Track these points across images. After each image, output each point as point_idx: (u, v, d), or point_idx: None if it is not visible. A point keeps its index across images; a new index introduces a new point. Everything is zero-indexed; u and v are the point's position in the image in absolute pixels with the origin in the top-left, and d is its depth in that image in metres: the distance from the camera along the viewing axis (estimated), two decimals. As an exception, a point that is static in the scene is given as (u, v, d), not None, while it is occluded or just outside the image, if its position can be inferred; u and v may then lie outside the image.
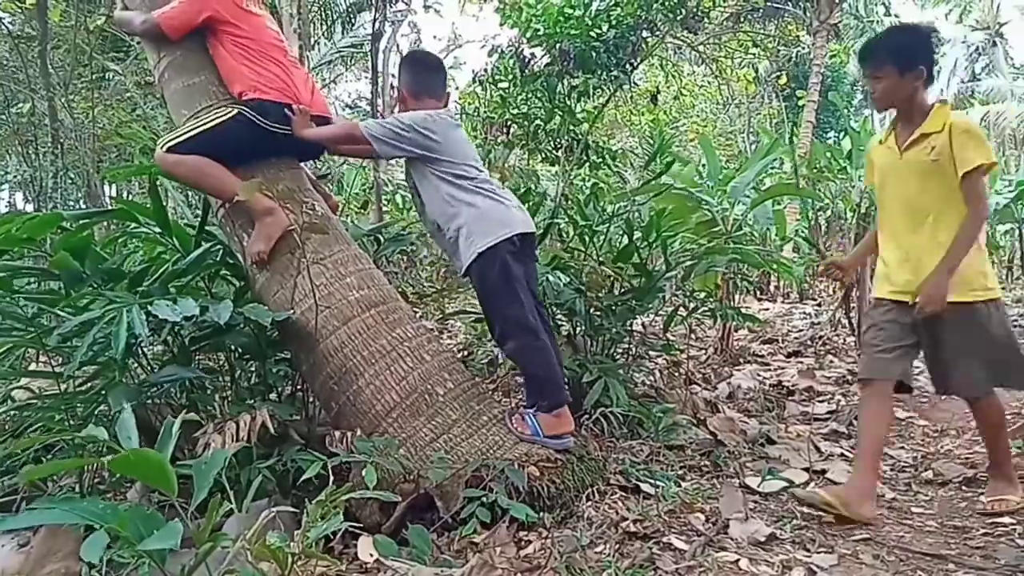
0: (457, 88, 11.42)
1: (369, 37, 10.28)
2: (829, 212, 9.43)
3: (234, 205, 2.62)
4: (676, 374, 4.40)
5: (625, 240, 3.82)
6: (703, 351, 5.49)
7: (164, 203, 2.85)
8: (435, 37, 30.18)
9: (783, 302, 9.20)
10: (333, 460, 2.15)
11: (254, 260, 2.64)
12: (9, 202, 13.26)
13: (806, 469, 2.99)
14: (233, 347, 2.80)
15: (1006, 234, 11.60)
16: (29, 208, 10.04)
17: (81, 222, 2.87)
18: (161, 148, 2.63)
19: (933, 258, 2.45)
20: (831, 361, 5.25)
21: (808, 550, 2.21)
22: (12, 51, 8.46)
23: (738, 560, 2.09)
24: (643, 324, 4.28)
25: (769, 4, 11.48)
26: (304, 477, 2.15)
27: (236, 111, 2.65)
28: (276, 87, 2.71)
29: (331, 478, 1.96)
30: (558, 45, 5.73)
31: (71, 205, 8.74)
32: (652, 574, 1.97)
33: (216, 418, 2.44)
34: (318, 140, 2.79)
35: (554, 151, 6.08)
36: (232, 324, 2.47)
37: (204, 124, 2.63)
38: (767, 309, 8.13)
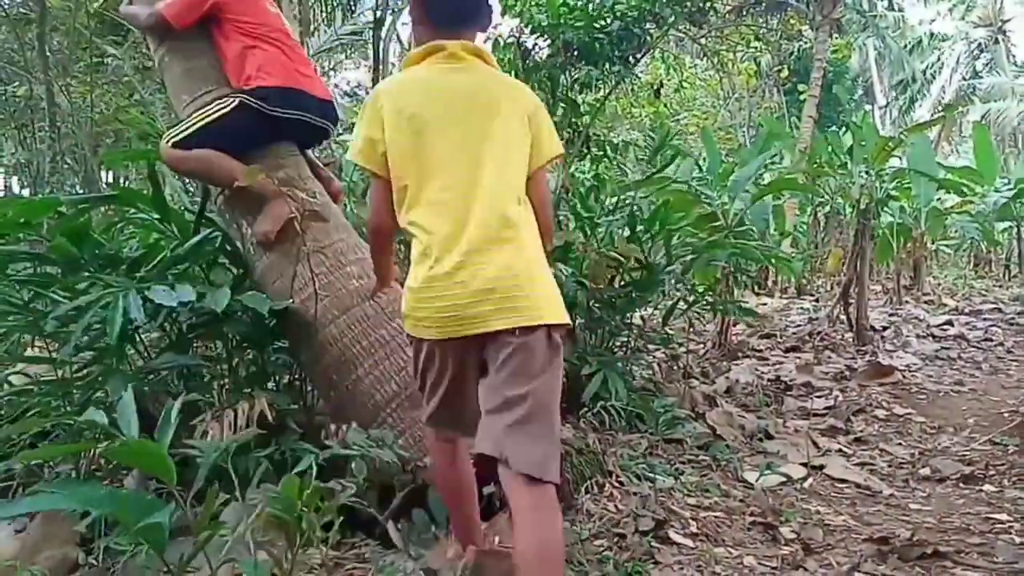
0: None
1: (370, 25, 10.20)
2: (828, 208, 9.42)
3: (237, 191, 2.59)
4: (675, 368, 4.40)
5: (626, 233, 3.81)
6: (701, 345, 5.49)
7: (163, 189, 2.82)
8: (436, 26, 29.92)
9: (781, 297, 9.19)
10: (325, 452, 2.13)
11: (260, 240, 2.61)
12: (5, 186, 13.18)
13: (804, 464, 2.99)
14: (231, 335, 2.78)
15: (1004, 231, 11.60)
16: (25, 193, 9.98)
17: (79, 207, 2.84)
18: (166, 143, 2.60)
19: None
20: (829, 356, 5.24)
21: (808, 547, 2.21)
22: (10, 34, 8.38)
23: (739, 556, 2.09)
24: (642, 317, 4.27)
25: (772, -2, 11.43)
26: (296, 470, 2.13)
27: (237, 101, 2.62)
28: (275, 71, 2.68)
29: (326, 472, 1.94)
30: (561, 36, 5.69)
31: (68, 190, 8.67)
32: (652, 567, 1.97)
33: (214, 406, 2.42)
34: None
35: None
36: (230, 312, 2.45)
37: (207, 117, 2.59)
38: (765, 304, 8.12)
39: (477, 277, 1.65)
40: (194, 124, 2.59)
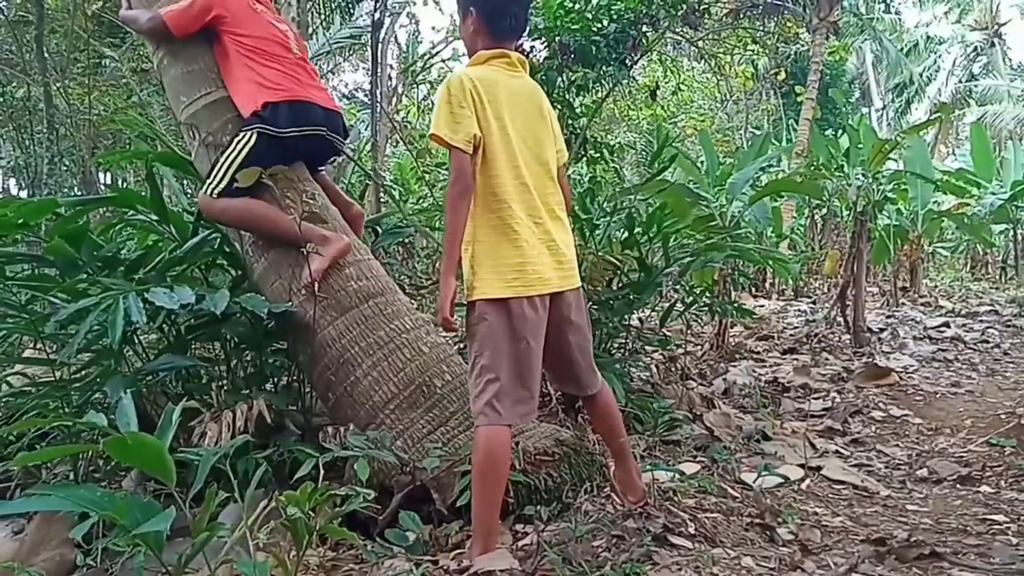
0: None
1: (368, 28, 10.21)
2: (825, 210, 9.45)
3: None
4: (672, 369, 4.41)
5: (624, 235, 3.82)
6: (699, 347, 5.49)
7: (161, 190, 2.83)
8: (434, 28, 30.21)
9: (778, 299, 9.21)
10: (325, 456, 2.11)
11: (308, 283, 2.56)
12: (3, 188, 13.18)
13: (801, 465, 3.00)
14: (229, 336, 2.78)
15: (1001, 234, 11.63)
16: (23, 194, 9.96)
17: (77, 208, 2.85)
18: (205, 195, 2.60)
19: None
20: (826, 358, 5.25)
21: (806, 548, 2.21)
22: (8, 35, 8.38)
23: (737, 557, 2.09)
24: (640, 319, 4.27)
25: (769, 1, 11.45)
26: (296, 476, 2.13)
27: (254, 134, 2.61)
28: (276, 90, 2.67)
29: (323, 473, 1.93)
30: (557, 39, 5.70)
31: (66, 192, 8.66)
32: (650, 568, 1.97)
33: (212, 407, 2.42)
34: None
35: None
36: (229, 313, 2.45)
37: (234, 159, 2.58)
38: (762, 306, 8.14)
39: (562, 242, 2.16)
40: (226, 170, 2.58)
